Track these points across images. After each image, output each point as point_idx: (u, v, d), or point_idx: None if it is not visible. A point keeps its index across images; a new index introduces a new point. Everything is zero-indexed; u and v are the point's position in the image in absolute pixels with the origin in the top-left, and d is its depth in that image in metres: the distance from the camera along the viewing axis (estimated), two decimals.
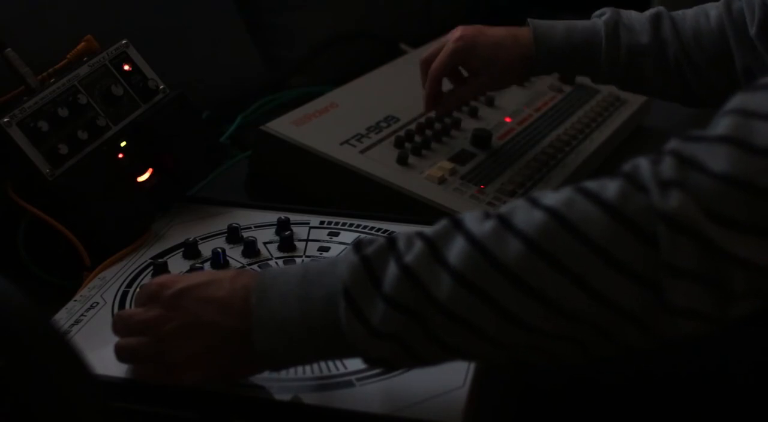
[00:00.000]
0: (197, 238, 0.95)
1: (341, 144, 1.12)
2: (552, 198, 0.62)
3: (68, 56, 1.02)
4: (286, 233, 0.95)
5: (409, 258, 0.63)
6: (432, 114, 1.18)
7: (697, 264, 0.57)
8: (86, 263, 0.91)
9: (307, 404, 0.72)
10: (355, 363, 0.76)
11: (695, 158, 0.58)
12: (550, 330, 0.60)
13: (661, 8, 1.09)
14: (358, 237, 0.75)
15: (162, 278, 0.72)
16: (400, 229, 0.97)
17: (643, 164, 0.60)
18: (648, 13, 1.09)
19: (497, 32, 1.10)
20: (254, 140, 1.15)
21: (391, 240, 0.65)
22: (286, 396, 0.72)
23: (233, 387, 0.73)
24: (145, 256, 0.93)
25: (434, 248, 0.63)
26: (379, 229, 0.98)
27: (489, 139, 1.18)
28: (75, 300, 0.86)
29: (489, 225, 0.62)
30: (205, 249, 0.93)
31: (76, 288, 0.88)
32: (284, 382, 0.73)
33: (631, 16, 1.09)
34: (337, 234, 0.97)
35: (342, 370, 0.75)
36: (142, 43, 1.06)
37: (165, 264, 0.90)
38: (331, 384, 0.74)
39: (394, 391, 0.73)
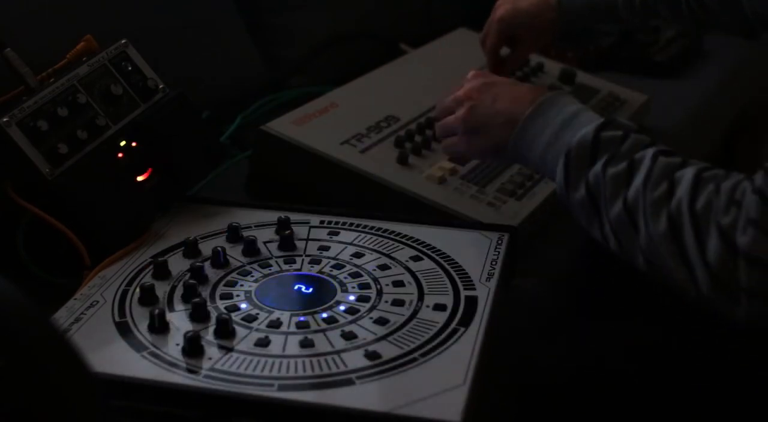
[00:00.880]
0: (197, 237, 0.95)
1: (341, 144, 1.12)
2: (697, 193, 0.76)
3: (68, 56, 1.02)
4: (286, 232, 0.95)
5: (611, 169, 0.80)
6: (432, 114, 1.18)
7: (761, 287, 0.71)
8: (86, 262, 0.91)
9: (307, 402, 0.72)
10: (355, 362, 0.76)
11: None
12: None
13: None
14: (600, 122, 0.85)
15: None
16: (401, 229, 0.97)
17: (746, 207, 0.72)
18: None
19: (528, 3, 1.26)
20: (254, 140, 1.15)
21: (624, 138, 0.82)
22: (286, 395, 0.72)
23: (233, 387, 0.73)
24: (145, 255, 0.93)
25: (629, 173, 0.79)
26: (378, 229, 0.98)
27: None
28: (75, 299, 0.86)
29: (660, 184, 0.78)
30: (205, 248, 0.93)
31: (76, 287, 0.88)
32: (284, 380, 0.74)
33: None
34: (337, 234, 0.97)
35: (342, 368, 0.75)
36: (142, 43, 1.06)
37: (165, 263, 0.90)
38: (331, 382, 0.74)
39: (394, 389, 0.73)
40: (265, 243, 0.95)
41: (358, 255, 0.93)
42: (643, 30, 1.67)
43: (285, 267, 0.91)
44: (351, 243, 0.95)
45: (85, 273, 0.90)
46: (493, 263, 0.91)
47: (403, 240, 0.96)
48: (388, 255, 0.93)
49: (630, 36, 1.67)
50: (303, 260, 0.92)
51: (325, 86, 1.38)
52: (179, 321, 0.82)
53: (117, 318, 0.83)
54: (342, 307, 0.84)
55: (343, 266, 0.91)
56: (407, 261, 0.92)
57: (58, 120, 0.94)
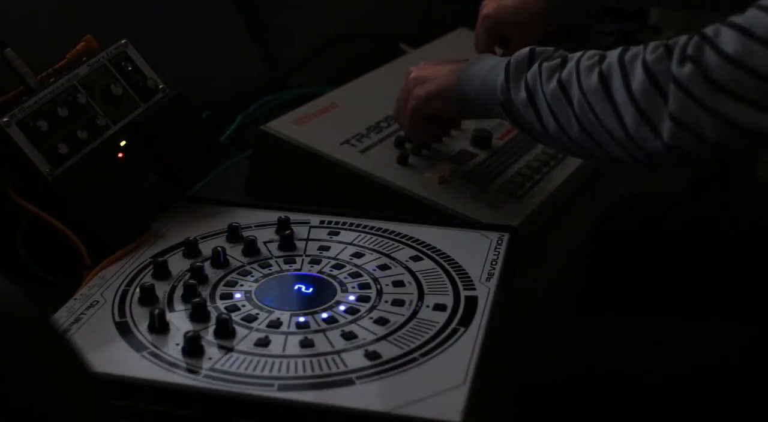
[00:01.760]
0: (197, 237, 0.95)
1: (341, 144, 1.12)
2: (627, 51, 0.85)
3: (68, 56, 1.02)
4: (287, 232, 0.95)
5: (546, 64, 0.90)
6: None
7: (688, 116, 0.78)
8: (86, 262, 0.91)
9: (307, 402, 0.72)
10: (355, 362, 0.76)
11: (714, 39, 0.78)
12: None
13: None
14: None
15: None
16: (401, 229, 0.97)
17: (682, 39, 0.80)
18: None
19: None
20: (254, 140, 1.15)
21: (555, 50, 0.92)
22: (286, 395, 0.72)
23: (233, 387, 0.73)
24: (145, 255, 0.93)
25: (563, 63, 0.89)
26: (379, 229, 0.98)
27: (489, 139, 1.19)
28: (75, 299, 0.86)
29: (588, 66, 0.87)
30: (205, 248, 0.93)
31: (76, 287, 0.88)
32: (284, 380, 0.74)
33: None
34: (337, 234, 0.97)
35: (342, 368, 0.75)
36: (142, 43, 1.06)
37: (165, 263, 0.90)
38: (331, 382, 0.74)
39: (394, 389, 0.73)
40: (265, 243, 0.95)
41: (358, 255, 0.93)
42: (643, 30, 1.67)
43: (285, 267, 0.91)
44: (351, 243, 0.95)
45: (85, 273, 0.90)
46: (493, 263, 0.91)
47: (403, 240, 0.96)
48: (388, 255, 0.93)
49: (630, 36, 1.67)
50: (303, 260, 0.92)
51: (325, 86, 1.38)
52: (179, 321, 0.82)
53: (117, 318, 0.83)
54: (342, 307, 0.84)
55: (343, 266, 0.91)
56: (407, 261, 0.92)
57: (58, 120, 0.94)
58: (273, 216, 0.99)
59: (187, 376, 0.75)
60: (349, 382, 0.74)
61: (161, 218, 1.00)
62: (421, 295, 0.86)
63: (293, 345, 0.78)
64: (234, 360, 0.76)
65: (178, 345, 0.78)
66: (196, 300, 0.82)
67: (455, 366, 0.75)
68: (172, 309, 0.84)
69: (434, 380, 0.73)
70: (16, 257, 0.94)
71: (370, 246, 0.95)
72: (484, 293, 0.86)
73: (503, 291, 0.88)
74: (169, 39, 1.36)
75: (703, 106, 0.78)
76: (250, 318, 0.82)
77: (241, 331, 0.80)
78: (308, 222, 0.99)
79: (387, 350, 0.78)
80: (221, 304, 0.85)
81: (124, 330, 0.81)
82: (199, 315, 0.82)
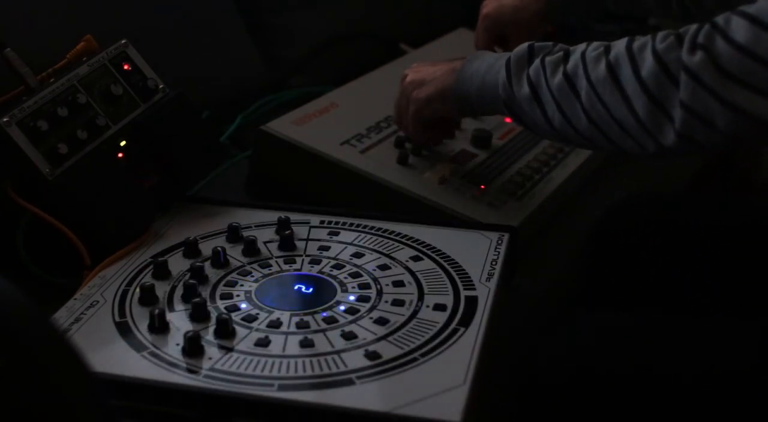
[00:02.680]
0: (197, 237, 0.95)
1: (341, 144, 1.12)
2: (634, 40, 0.85)
3: (68, 56, 1.02)
4: (287, 232, 0.95)
5: (549, 58, 0.90)
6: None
7: (699, 104, 0.78)
8: (86, 262, 0.91)
9: (307, 402, 0.72)
10: (355, 362, 0.76)
11: (725, 28, 0.78)
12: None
13: None
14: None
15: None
16: (401, 229, 0.97)
17: (692, 27, 0.80)
18: None
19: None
20: (254, 140, 1.15)
21: (555, 45, 0.92)
22: (286, 395, 0.72)
23: (233, 387, 0.73)
24: (145, 255, 0.93)
25: (566, 56, 0.89)
26: (378, 229, 0.98)
27: (489, 139, 1.19)
28: (75, 299, 0.86)
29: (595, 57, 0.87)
30: (205, 248, 0.93)
31: (76, 287, 0.88)
32: (284, 380, 0.74)
33: None
34: (337, 234, 0.97)
35: (342, 368, 0.75)
36: (142, 43, 1.06)
37: (165, 263, 0.90)
38: (331, 382, 0.74)
39: (394, 389, 0.73)
40: (265, 243, 0.95)
41: (358, 255, 0.93)
42: (643, 30, 1.67)
43: (285, 267, 0.91)
44: (351, 244, 0.95)
45: (85, 273, 0.90)
46: (493, 263, 0.91)
47: (403, 240, 0.96)
48: (388, 256, 0.93)
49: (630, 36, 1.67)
50: (303, 260, 0.92)
51: (325, 86, 1.38)
52: (179, 321, 0.82)
53: (117, 318, 0.83)
54: (342, 307, 0.84)
55: (343, 266, 0.91)
56: (407, 261, 0.92)
57: (58, 120, 0.94)
58: (273, 216, 0.99)
59: (187, 376, 0.75)
60: (349, 382, 0.74)
61: (161, 218, 1.00)
62: (421, 295, 0.86)
63: (293, 345, 0.78)
64: (234, 360, 0.76)
65: (178, 345, 0.78)
66: (196, 300, 0.82)
67: (455, 366, 0.75)
68: (172, 309, 0.84)
69: (434, 380, 0.73)
70: (16, 257, 0.94)
71: (370, 246, 0.95)
72: (484, 293, 0.86)
73: (503, 291, 0.88)
74: (169, 39, 1.36)
75: (713, 94, 0.78)
76: (250, 318, 0.82)
77: (241, 331, 0.80)
78: (308, 223, 0.99)
79: (387, 350, 0.78)
80: (221, 304, 0.85)
81: (124, 330, 0.81)
82: (199, 315, 0.82)
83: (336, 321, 0.82)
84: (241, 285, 0.88)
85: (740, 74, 0.77)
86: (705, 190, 1.58)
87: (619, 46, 0.85)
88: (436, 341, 0.79)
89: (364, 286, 0.87)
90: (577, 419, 0.86)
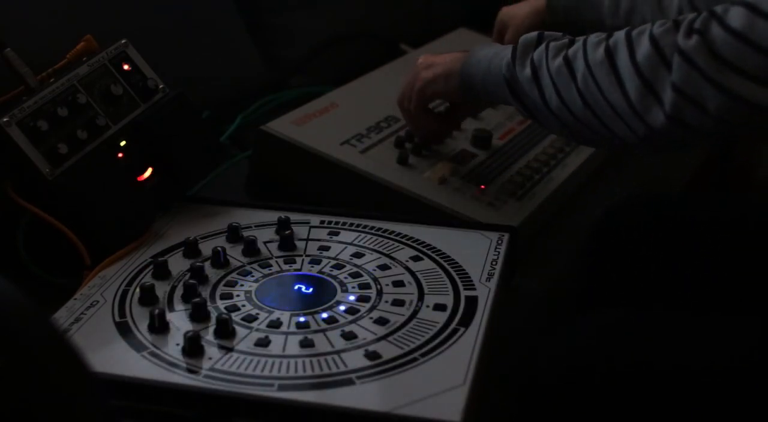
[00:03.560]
0: (197, 237, 0.95)
1: (341, 144, 1.12)
2: (635, 28, 0.86)
3: (68, 56, 1.02)
4: (287, 232, 0.95)
5: (554, 43, 0.92)
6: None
7: (691, 86, 0.79)
8: (86, 262, 0.91)
9: (307, 402, 0.72)
10: (355, 362, 0.76)
11: (722, 15, 0.79)
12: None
13: None
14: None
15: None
16: (401, 229, 0.97)
17: (690, 15, 0.82)
18: None
19: (525, 4, 1.27)
20: (254, 140, 1.15)
21: (564, 35, 0.94)
22: (286, 395, 0.72)
23: (233, 387, 0.73)
24: (145, 255, 0.93)
25: (571, 42, 0.91)
26: (379, 229, 0.98)
27: (489, 139, 1.19)
28: (75, 299, 0.86)
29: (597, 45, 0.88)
30: (205, 248, 0.93)
31: (76, 287, 0.88)
32: (284, 380, 0.74)
33: None
34: (337, 234, 0.97)
35: (342, 368, 0.75)
36: (142, 43, 1.06)
37: (165, 263, 0.90)
38: (331, 382, 0.74)
39: (394, 389, 0.73)
40: (265, 243, 0.95)
41: (358, 255, 0.93)
42: None
43: (285, 267, 0.91)
44: (351, 243, 0.95)
45: (85, 273, 0.90)
46: (493, 263, 0.91)
47: (403, 240, 0.96)
48: (388, 255, 0.93)
49: None
50: (303, 260, 0.92)
51: (325, 86, 1.39)
52: (179, 321, 0.82)
53: (117, 318, 0.83)
54: (342, 307, 0.84)
55: (343, 266, 0.91)
56: (407, 261, 0.92)
57: (58, 120, 0.94)
58: (273, 216, 0.99)
59: (187, 376, 0.75)
60: (349, 382, 0.74)
61: (161, 218, 1.00)
62: (421, 295, 0.86)
63: (293, 345, 0.78)
64: (234, 360, 0.76)
65: (178, 345, 0.78)
66: (196, 300, 0.82)
67: (455, 366, 0.75)
68: (172, 309, 0.84)
69: (434, 380, 0.73)
70: (16, 257, 0.94)
71: (370, 246, 0.95)
72: (484, 293, 0.86)
73: (503, 291, 0.88)
74: (169, 39, 1.36)
75: (706, 78, 0.79)
76: (250, 318, 0.82)
77: (241, 331, 0.80)
78: (308, 223, 0.99)
79: (387, 350, 0.78)
80: (221, 304, 0.85)
81: (124, 330, 0.81)
82: (199, 315, 0.82)
83: (336, 321, 0.82)
84: (241, 285, 0.88)
85: (734, 59, 0.78)
86: (704, 188, 1.58)
87: (620, 32, 0.86)
88: (436, 341, 0.79)
89: (364, 286, 0.87)
90: (577, 419, 0.86)
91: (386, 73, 1.35)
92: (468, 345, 0.78)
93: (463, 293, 0.86)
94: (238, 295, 0.86)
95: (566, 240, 1.12)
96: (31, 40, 1.07)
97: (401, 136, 1.15)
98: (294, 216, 0.99)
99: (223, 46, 1.47)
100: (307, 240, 0.96)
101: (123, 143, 0.99)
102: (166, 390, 0.73)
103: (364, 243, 0.95)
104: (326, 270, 0.90)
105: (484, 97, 1.01)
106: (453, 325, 0.81)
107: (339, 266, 0.91)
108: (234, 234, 0.96)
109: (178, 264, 0.91)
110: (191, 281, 0.86)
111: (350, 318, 0.82)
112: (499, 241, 0.95)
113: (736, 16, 0.78)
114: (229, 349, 0.78)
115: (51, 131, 0.93)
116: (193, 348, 0.77)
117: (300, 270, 0.91)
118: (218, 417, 0.73)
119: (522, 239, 1.00)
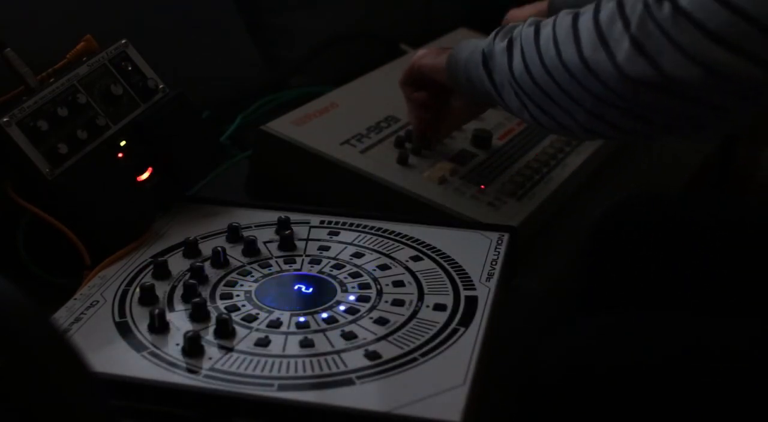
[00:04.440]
0: (197, 237, 0.95)
1: (341, 144, 1.12)
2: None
3: (68, 56, 1.02)
4: (287, 232, 0.95)
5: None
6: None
7: (648, 39, 0.77)
8: (86, 262, 0.91)
9: (307, 402, 0.72)
10: (355, 362, 0.76)
11: None
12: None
13: None
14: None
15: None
16: (401, 229, 0.97)
17: None
18: None
19: (530, 6, 1.24)
20: (254, 140, 1.15)
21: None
22: (286, 395, 0.72)
23: (233, 387, 0.73)
24: (145, 255, 0.93)
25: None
26: (379, 229, 0.98)
27: (489, 139, 1.19)
28: (75, 299, 0.86)
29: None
30: (205, 248, 0.93)
31: (76, 287, 0.88)
32: (284, 380, 0.74)
33: None
34: (337, 234, 0.97)
35: (342, 368, 0.75)
36: (142, 43, 1.06)
37: (165, 263, 0.90)
38: (331, 382, 0.74)
39: (394, 389, 0.73)
40: (265, 243, 0.95)
41: (358, 255, 0.93)
42: None
43: (285, 267, 0.91)
44: (351, 243, 0.95)
45: (85, 273, 0.90)
46: (493, 263, 0.91)
47: (403, 240, 0.96)
48: (388, 255, 0.93)
49: None
50: (303, 260, 0.92)
51: (325, 86, 1.38)
52: (179, 321, 0.82)
53: (117, 318, 0.83)
54: (342, 307, 0.84)
55: (343, 266, 0.91)
56: (407, 261, 0.92)
57: (58, 120, 0.94)
58: (273, 216, 0.99)
59: (187, 376, 0.75)
60: (349, 382, 0.74)
61: (161, 218, 1.00)
62: (421, 295, 0.86)
63: (293, 345, 0.78)
64: (234, 360, 0.76)
65: (178, 345, 0.78)
66: (196, 300, 0.82)
67: (455, 366, 0.75)
68: (172, 309, 0.84)
69: (434, 380, 0.73)
70: (16, 257, 0.94)
71: (370, 246, 0.95)
72: (484, 293, 0.86)
73: (503, 291, 0.88)
74: (169, 39, 1.36)
75: (663, 32, 0.76)
76: (250, 318, 0.82)
77: (241, 331, 0.80)
78: (308, 223, 0.99)
79: (387, 350, 0.78)
80: (221, 304, 0.85)
81: (124, 330, 0.81)
82: (199, 315, 0.82)
83: (336, 321, 0.82)
84: (241, 285, 0.88)
85: (697, 14, 0.74)
86: (704, 189, 1.58)
87: (588, 5, 0.85)
88: (436, 341, 0.79)
89: (364, 286, 0.87)
90: (577, 419, 0.86)
91: (386, 73, 1.35)
92: (468, 345, 0.78)
93: (463, 293, 0.86)
94: (238, 295, 0.86)
95: (566, 240, 1.12)
96: (31, 40, 1.07)
97: (401, 136, 1.15)
98: (294, 216, 0.99)
99: (223, 46, 1.47)
100: (307, 240, 0.96)
101: (123, 143, 0.99)
102: (166, 390, 0.73)
103: (364, 243, 0.95)
104: (326, 270, 0.90)
105: (463, 75, 0.99)
106: (453, 325, 0.81)
107: (339, 266, 0.91)
108: (234, 234, 0.96)
109: (178, 264, 0.91)
110: (191, 281, 0.86)
111: (350, 318, 0.82)
112: (499, 241, 0.95)
113: None
114: (229, 349, 0.78)
115: (51, 131, 0.93)
116: (193, 348, 0.77)
117: (300, 270, 0.91)
118: (218, 417, 0.73)
119: (522, 239, 1.00)
